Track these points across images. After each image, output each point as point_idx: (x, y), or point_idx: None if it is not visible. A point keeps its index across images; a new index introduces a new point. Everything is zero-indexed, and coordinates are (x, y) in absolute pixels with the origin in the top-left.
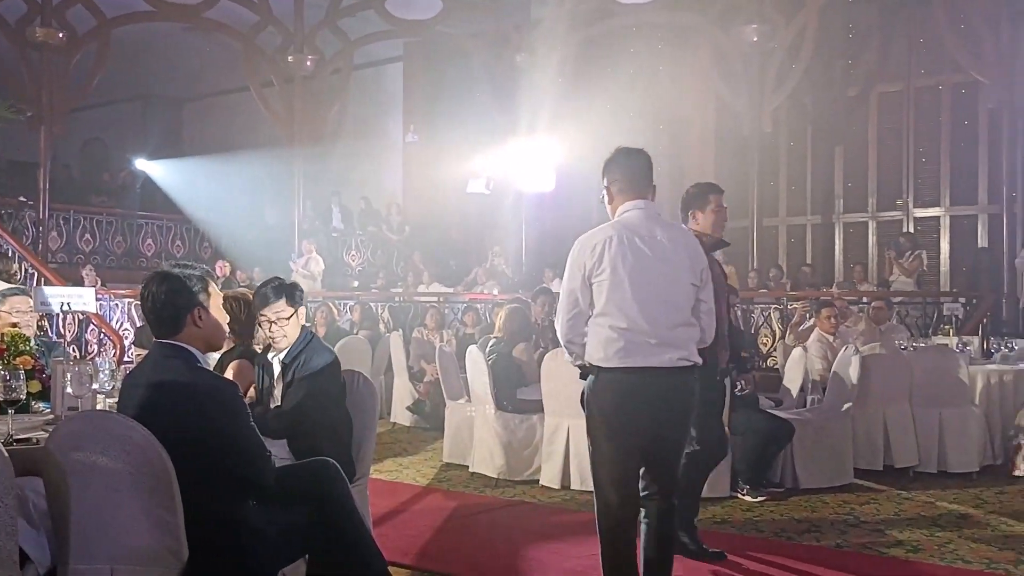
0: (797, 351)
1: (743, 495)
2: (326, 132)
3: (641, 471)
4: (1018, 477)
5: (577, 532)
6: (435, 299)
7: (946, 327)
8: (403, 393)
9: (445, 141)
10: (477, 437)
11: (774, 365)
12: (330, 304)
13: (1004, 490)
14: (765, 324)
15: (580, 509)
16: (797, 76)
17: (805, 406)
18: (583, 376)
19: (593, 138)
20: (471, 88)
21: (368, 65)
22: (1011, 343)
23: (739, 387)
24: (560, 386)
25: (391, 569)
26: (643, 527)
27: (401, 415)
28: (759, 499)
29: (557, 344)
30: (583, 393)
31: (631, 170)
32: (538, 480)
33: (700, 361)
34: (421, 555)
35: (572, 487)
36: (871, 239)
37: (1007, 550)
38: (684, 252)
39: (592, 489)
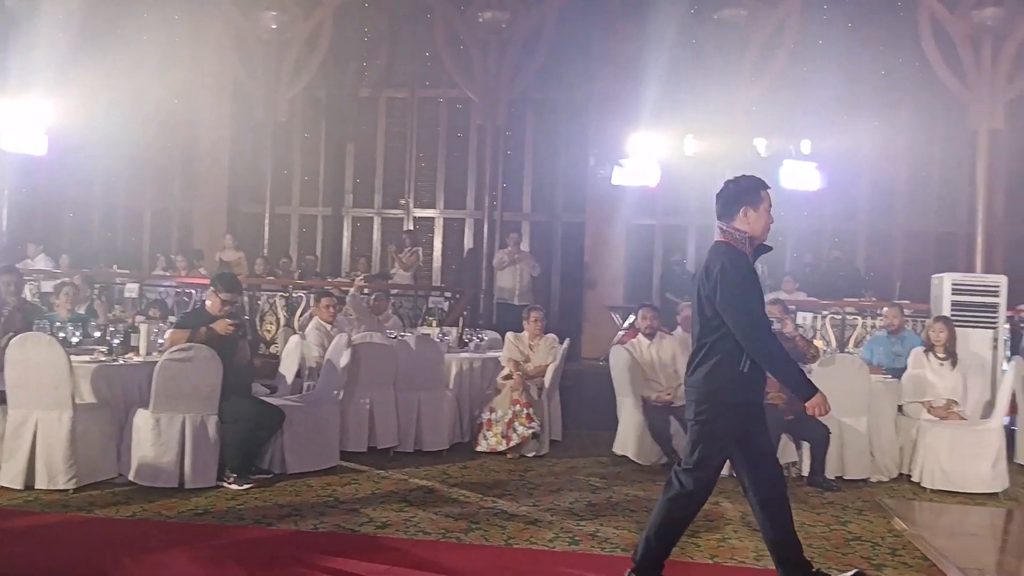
0: (294, 338)
1: (229, 484)
2: None
3: None
4: (480, 452)
5: (38, 535)
6: None
7: (431, 319)
8: None
9: None
10: None
11: (277, 352)
12: None
13: (467, 465)
14: (271, 311)
15: (45, 510)
16: (312, 70)
17: (303, 392)
18: None
19: (99, 103)
20: None
21: None
22: (483, 334)
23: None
24: (28, 374)
25: None
26: None
27: None
28: (245, 487)
29: (27, 328)
30: None
31: None
32: None
33: None
34: None
35: (38, 486)
36: (376, 234)
37: (462, 520)
38: None
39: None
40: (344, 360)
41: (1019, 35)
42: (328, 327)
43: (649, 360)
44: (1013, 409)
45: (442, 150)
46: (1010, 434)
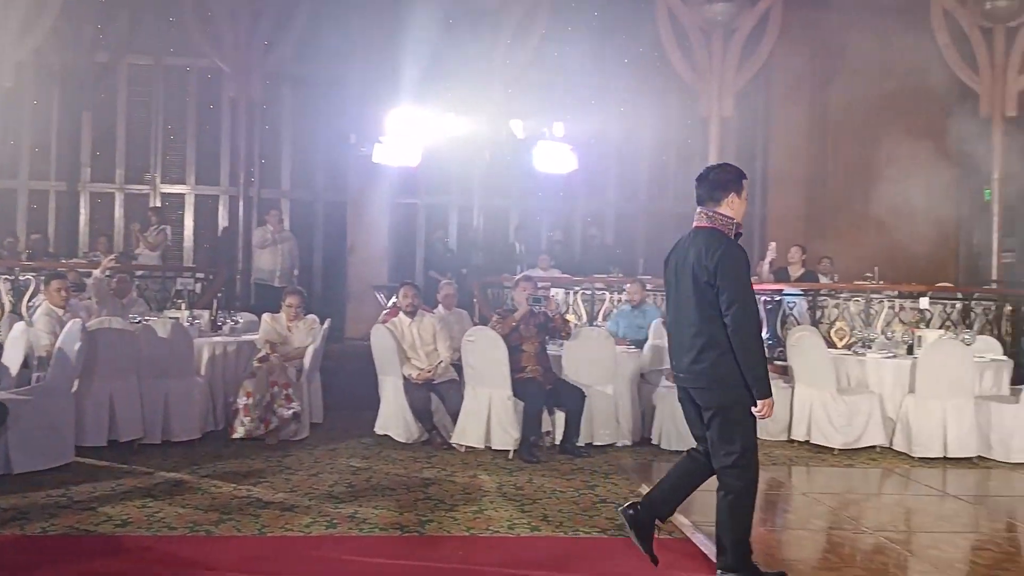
0: (19, 325)
1: None
2: None
3: None
4: (236, 439)
5: None
6: None
7: (180, 302)
8: None
9: None
10: None
11: (1, 341)
12: None
13: (221, 454)
14: None
15: None
16: (42, 32)
17: (31, 384)
18: None
19: None
20: None
21: None
22: (238, 317)
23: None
24: None
25: None
26: None
27: None
28: None
29: None
30: None
31: None
32: None
33: None
34: None
35: None
36: (118, 211)
37: (212, 511)
38: None
39: None
40: (78, 348)
41: (746, 29)
42: (60, 312)
43: (410, 338)
44: None
45: (192, 122)
46: None
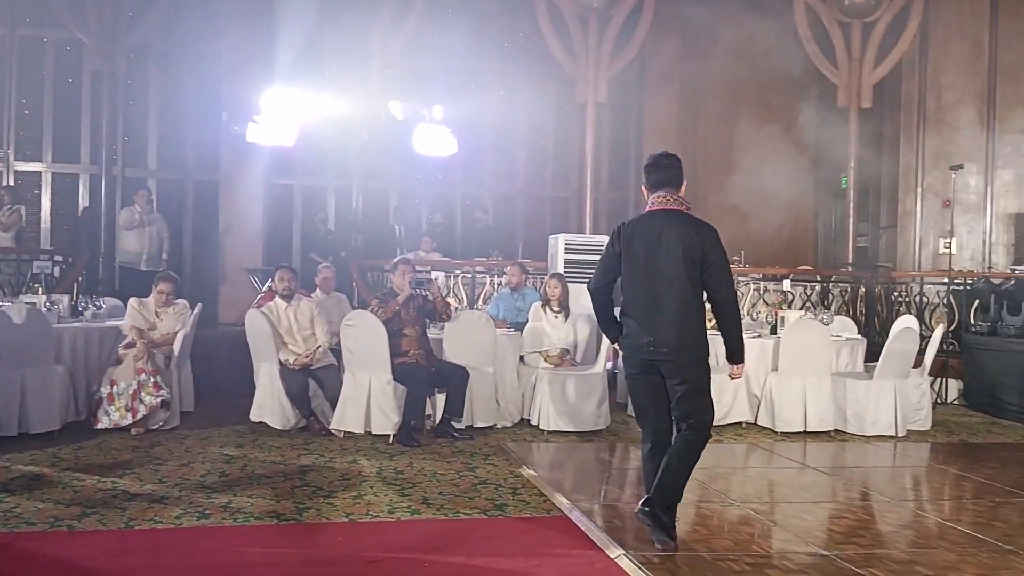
0: None
1: None
2: None
3: None
4: (101, 430)
5: None
6: None
7: (36, 286)
8: None
9: None
10: None
11: None
12: None
13: (83, 445)
14: None
15: None
16: None
17: None
18: None
19: None
20: None
21: None
22: (100, 302)
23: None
24: None
25: None
26: None
27: None
28: None
29: None
30: None
31: None
32: None
33: None
34: None
35: None
36: None
37: (74, 505)
38: None
39: None
40: None
41: (621, 17)
42: None
43: (287, 323)
44: (615, 355)
45: (49, 96)
46: (612, 377)
